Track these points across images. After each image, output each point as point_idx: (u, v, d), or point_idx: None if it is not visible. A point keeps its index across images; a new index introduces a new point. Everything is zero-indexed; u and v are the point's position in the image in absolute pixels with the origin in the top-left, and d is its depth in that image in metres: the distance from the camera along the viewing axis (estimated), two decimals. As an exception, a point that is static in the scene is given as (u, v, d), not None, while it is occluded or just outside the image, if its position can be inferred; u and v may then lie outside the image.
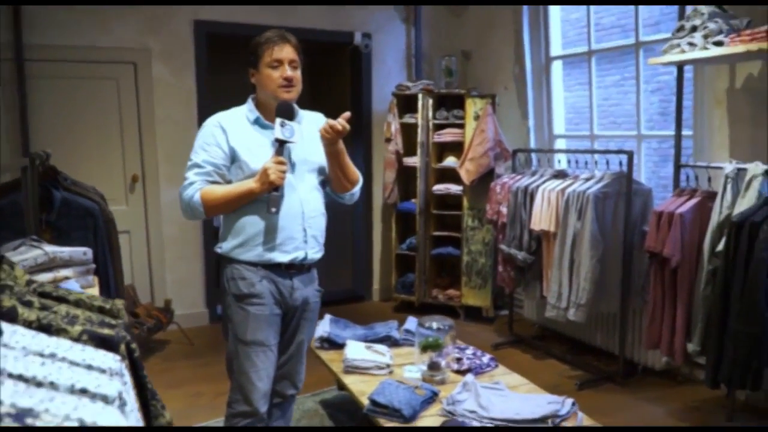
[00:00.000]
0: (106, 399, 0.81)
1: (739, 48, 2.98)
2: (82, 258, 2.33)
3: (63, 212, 2.95)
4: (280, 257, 2.31)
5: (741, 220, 2.90)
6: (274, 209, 2.22)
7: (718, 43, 3.11)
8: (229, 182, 2.30)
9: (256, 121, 2.34)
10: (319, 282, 2.54)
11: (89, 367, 0.88)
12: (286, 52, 2.28)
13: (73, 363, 0.86)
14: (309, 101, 2.37)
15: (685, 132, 3.68)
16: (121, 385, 0.88)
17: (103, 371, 0.88)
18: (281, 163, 2.20)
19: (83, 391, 0.80)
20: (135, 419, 0.87)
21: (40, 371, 0.79)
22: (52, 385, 0.78)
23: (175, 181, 4.78)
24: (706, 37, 3.18)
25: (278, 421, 2.60)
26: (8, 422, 0.62)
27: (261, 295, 2.29)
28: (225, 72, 5.51)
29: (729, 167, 3.18)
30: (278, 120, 2.21)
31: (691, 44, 3.24)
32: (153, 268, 4.92)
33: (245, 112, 2.36)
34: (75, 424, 0.68)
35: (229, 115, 2.36)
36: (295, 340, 2.48)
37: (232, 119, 2.34)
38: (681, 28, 3.34)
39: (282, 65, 2.27)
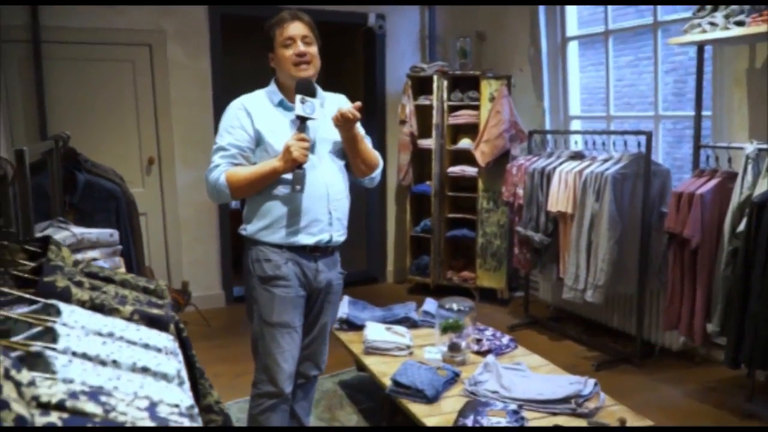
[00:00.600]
0: (166, 377, 0.83)
1: (762, 27, 2.96)
2: (109, 239, 2.35)
3: (86, 194, 2.96)
4: (306, 239, 2.31)
5: (762, 200, 2.89)
6: (299, 187, 2.21)
7: (740, 23, 3.08)
8: (253, 165, 2.30)
9: (280, 104, 2.34)
10: None
11: (146, 346, 0.89)
12: (297, 28, 2.27)
13: (130, 342, 0.88)
14: (323, 82, 2.37)
15: (703, 113, 3.65)
16: (178, 364, 0.89)
17: (159, 350, 0.90)
18: (303, 140, 2.19)
19: (145, 370, 0.82)
20: (190, 399, 0.89)
21: (103, 350, 0.81)
22: (115, 364, 0.80)
23: (191, 164, 4.81)
24: (727, 16, 3.15)
25: (301, 402, 2.63)
26: (84, 399, 0.64)
27: (287, 277, 2.31)
28: (240, 54, 5.50)
29: (750, 147, 3.16)
30: (298, 96, 2.20)
31: (712, 24, 3.20)
32: (170, 250, 4.95)
33: (269, 94, 2.37)
34: (144, 402, 0.69)
35: (253, 98, 2.36)
36: (319, 322, 2.50)
37: (257, 102, 2.34)
38: (702, 8, 3.30)
39: (294, 42, 2.26)
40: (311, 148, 2.26)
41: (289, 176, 2.23)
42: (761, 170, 3.10)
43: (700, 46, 3.52)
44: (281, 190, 2.28)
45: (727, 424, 3.13)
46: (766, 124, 3.44)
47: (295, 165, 2.19)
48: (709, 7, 3.25)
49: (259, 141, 2.29)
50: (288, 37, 2.26)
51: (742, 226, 3.01)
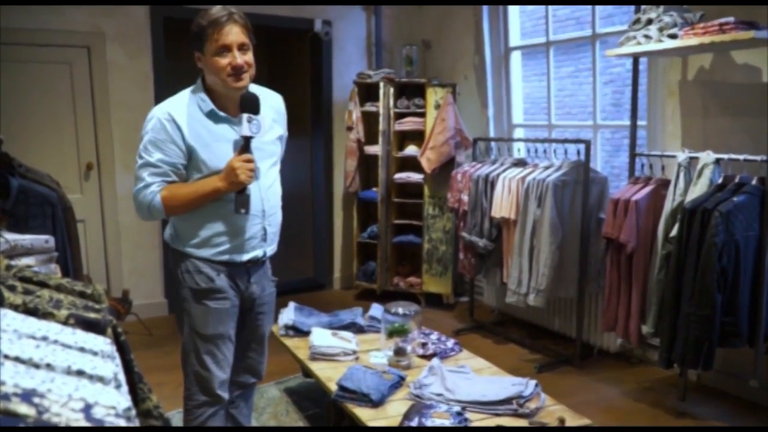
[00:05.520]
0: (102, 380, 0.81)
1: (693, 41, 3.09)
2: (44, 246, 2.27)
3: (20, 200, 2.85)
4: (239, 257, 2.24)
5: (693, 206, 3.02)
6: (243, 210, 2.13)
7: (673, 36, 3.22)
8: (184, 180, 2.16)
9: (210, 114, 2.15)
10: (280, 271, 2.50)
11: (82, 349, 0.87)
12: (234, 34, 2.06)
13: (65, 345, 0.86)
14: (268, 88, 2.30)
15: (638, 122, 3.79)
16: (115, 367, 0.88)
17: (95, 354, 0.88)
18: (249, 161, 2.08)
19: (80, 373, 0.80)
20: (128, 401, 0.87)
21: (36, 353, 0.79)
22: (49, 367, 0.78)
23: (131, 169, 4.64)
24: (661, 29, 3.28)
25: (242, 409, 2.60)
26: (16, 401, 0.62)
27: (221, 289, 2.23)
28: (183, 56, 5.39)
29: (681, 156, 3.30)
30: (245, 115, 2.08)
31: (646, 36, 3.34)
32: (109, 257, 4.81)
33: (197, 101, 2.15)
34: (79, 404, 0.68)
35: (179, 106, 2.13)
36: (257, 333, 2.46)
37: (183, 111, 2.12)
38: (637, 21, 3.43)
39: (230, 51, 2.06)
40: None
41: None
42: (692, 178, 3.24)
43: (636, 58, 3.66)
44: (215, 208, 2.17)
45: (662, 422, 3.25)
46: (698, 133, 3.61)
47: (240, 187, 2.10)
48: (644, 19, 3.38)
49: (190, 157, 2.12)
50: (223, 45, 2.05)
51: (674, 232, 3.14)
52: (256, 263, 2.33)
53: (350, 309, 3.68)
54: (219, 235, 2.19)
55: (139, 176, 2.12)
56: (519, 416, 2.47)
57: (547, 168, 4.01)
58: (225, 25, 2.06)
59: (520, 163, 4.32)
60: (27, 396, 0.64)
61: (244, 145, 2.11)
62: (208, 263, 2.22)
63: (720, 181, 3.12)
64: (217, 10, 2.09)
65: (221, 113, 2.16)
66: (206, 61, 2.11)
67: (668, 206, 3.29)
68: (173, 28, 5.03)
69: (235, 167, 2.06)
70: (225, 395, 2.34)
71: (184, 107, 2.13)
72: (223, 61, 2.07)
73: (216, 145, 2.14)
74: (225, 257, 2.22)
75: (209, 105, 2.14)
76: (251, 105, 2.12)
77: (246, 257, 2.25)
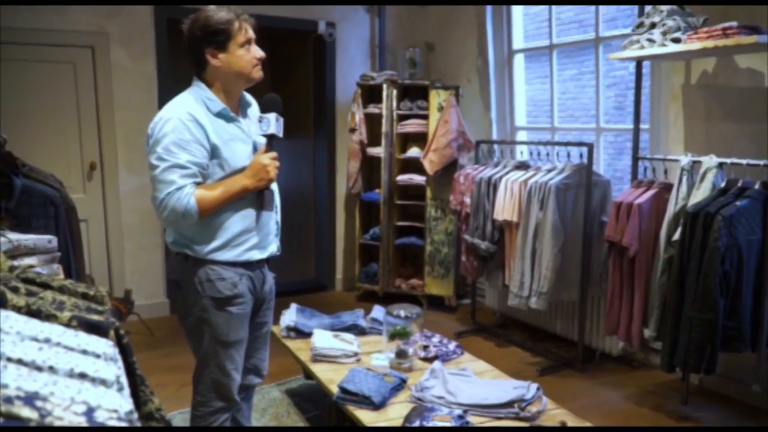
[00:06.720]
0: (105, 383, 0.81)
1: (696, 45, 3.09)
2: (47, 246, 2.27)
3: (23, 200, 2.84)
4: (259, 255, 2.26)
5: (696, 210, 3.01)
6: (270, 207, 2.19)
7: (676, 40, 3.22)
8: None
9: (220, 113, 2.15)
10: (282, 272, 2.53)
11: (84, 352, 0.87)
12: (253, 30, 2.17)
13: (68, 348, 0.86)
14: (271, 90, 2.31)
15: (641, 126, 3.79)
16: (117, 370, 0.88)
17: (98, 356, 0.88)
18: (276, 158, 2.15)
19: (82, 376, 0.80)
20: (130, 404, 0.87)
21: (39, 356, 0.79)
22: (52, 370, 0.78)
23: (135, 169, 4.70)
24: (664, 33, 3.28)
25: (245, 411, 2.60)
26: (19, 404, 0.62)
27: (243, 294, 2.23)
28: (186, 57, 5.41)
29: (685, 160, 3.30)
30: (273, 115, 2.13)
31: (650, 40, 3.34)
32: (111, 257, 4.82)
33: (205, 101, 2.14)
34: (82, 407, 0.68)
35: (194, 106, 2.11)
36: (263, 330, 2.48)
37: (199, 111, 2.10)
38: (641, 25, 3.43)
39: (252, 44, 2.16)
40: None
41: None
42: (695, 181, 3.24)
43: (639, 62, 3.66)
44: (236, 207, 2.18)
45: (664, 426, 3.24)
46: (701, 137, 3.61)
47: (267, 184, 2.14)
48: (647, 23, 3.38)
49: (212, 156, 2.11)
50: (249, 39, 2.13)
51: (677, 235, 3.14)
52: (269, 261, 2.35)
53: (352, 311, 3.68)
54: (242, 234, 2.20)
55: (167, 179, 2.04)
56: (520, 420, 2.47)
57: (549, 171, 4.00)
58: (248, 20, 2.16)
59: (523, 165, 4.32)
60: (30, 399, 0.64)
61: (268, 143, 2.17)
62: (230, 267, 2.19)
63: (723, 185, 3.12)
64: (231, 9, 2.15)
65: (231, 113, 2.19)
66: (229, 55, 2.12)
67: (671, 210, 3.28)
68: (177, 29, 5.05)
69: (266, 164, 2.11)
70: (238, 399, 2.36)
71: (198, 108, 2.12)
72: (249, 54, 2.14)
73: (232, 143, 2.16)
74: (249, 255, 2.22)
75: (219, 104, 2.15)
76: (276, 105, 2.18)
77: (266, 254, 2.28)
